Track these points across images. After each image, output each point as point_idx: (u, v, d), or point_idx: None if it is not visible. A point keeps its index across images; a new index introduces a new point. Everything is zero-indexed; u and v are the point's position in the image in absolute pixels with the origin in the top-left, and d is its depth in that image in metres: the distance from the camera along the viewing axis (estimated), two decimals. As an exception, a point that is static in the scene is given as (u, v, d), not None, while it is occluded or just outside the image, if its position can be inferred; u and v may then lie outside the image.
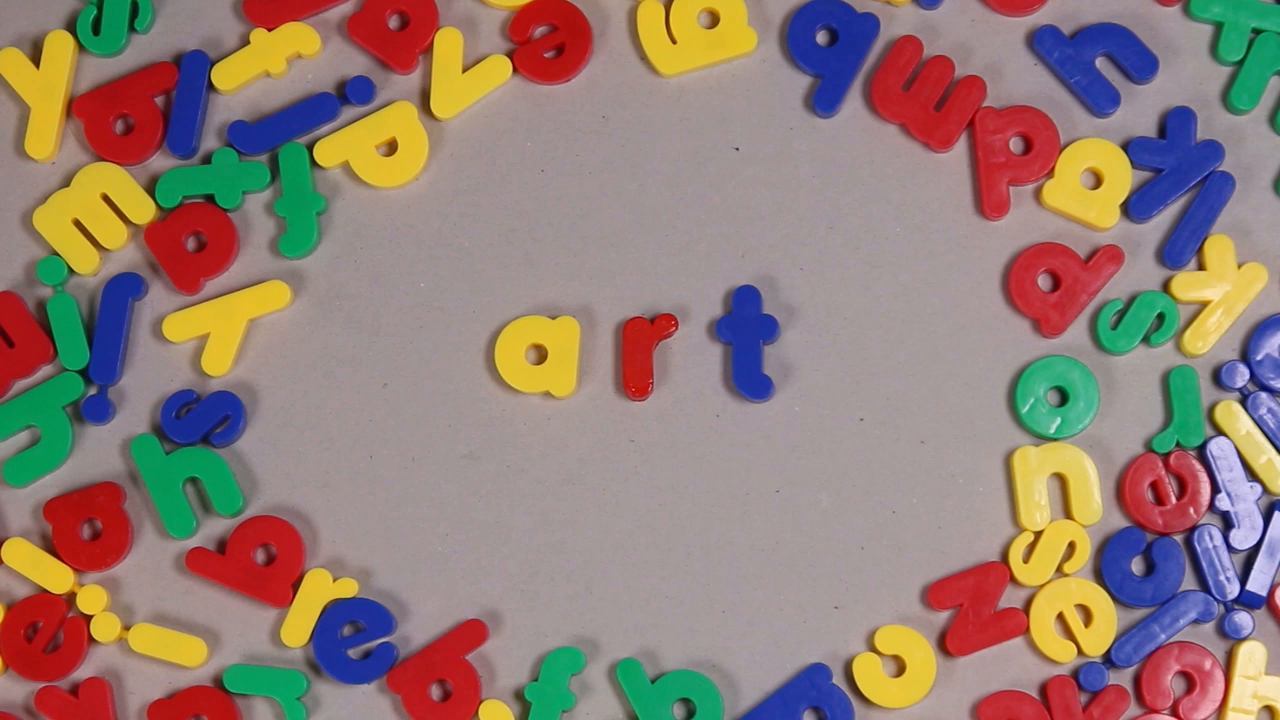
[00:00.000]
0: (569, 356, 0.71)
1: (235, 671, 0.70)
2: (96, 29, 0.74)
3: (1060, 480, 0.70)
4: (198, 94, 0.73)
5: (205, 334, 0.72)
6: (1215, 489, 0.69)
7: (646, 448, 0.71)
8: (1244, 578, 0.68)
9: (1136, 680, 0.68)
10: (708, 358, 0.71)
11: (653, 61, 0.73)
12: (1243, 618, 0.68)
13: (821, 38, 0.73)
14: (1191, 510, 0.69)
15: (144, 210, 0.73)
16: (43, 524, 0.71)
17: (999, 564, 0.69)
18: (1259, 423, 0.69)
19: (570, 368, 0.70)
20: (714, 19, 0.73)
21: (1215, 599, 0.68)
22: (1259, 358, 0.70)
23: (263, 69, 0.73)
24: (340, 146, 0.72)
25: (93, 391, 0.72)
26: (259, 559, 0.70)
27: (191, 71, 0.73)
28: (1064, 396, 0.70)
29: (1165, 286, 0.70)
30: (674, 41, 0.73)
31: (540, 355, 0.71)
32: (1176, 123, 0.71)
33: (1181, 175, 0.70)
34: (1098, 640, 0.68)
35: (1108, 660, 0.68)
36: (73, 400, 0.71)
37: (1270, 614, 0.69)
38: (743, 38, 0.73)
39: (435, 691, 0.69)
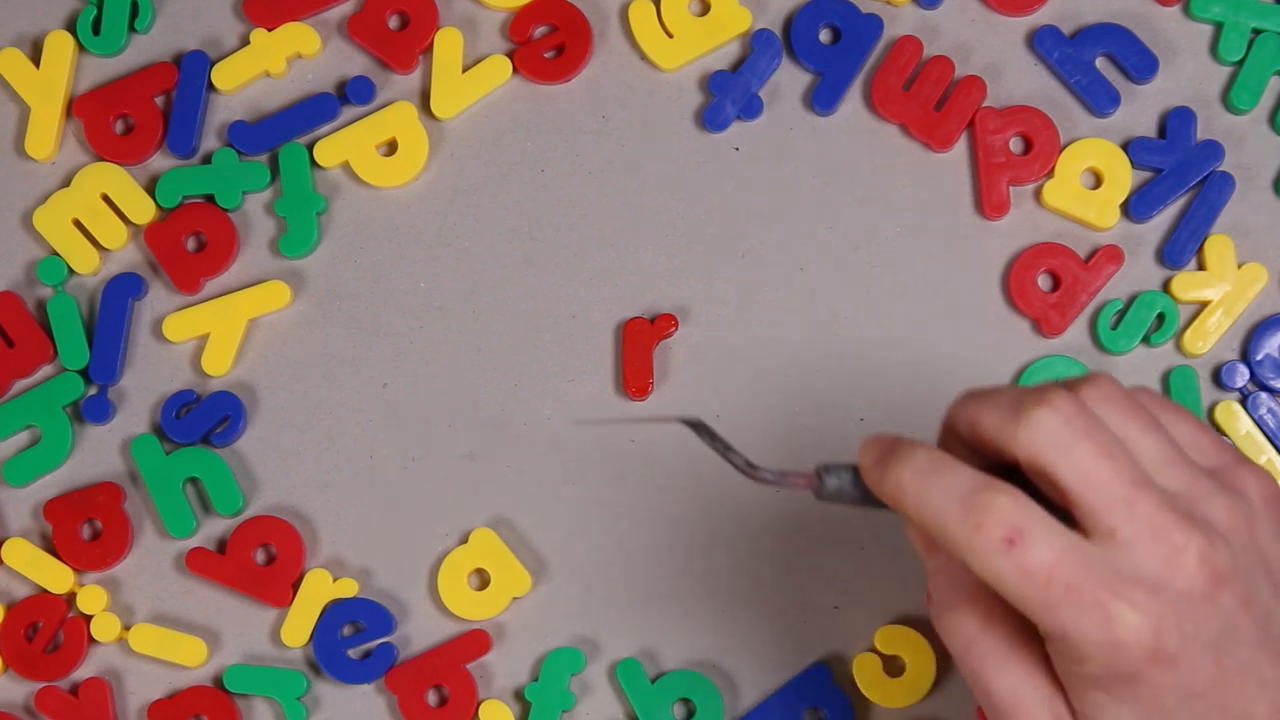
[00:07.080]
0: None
1: (235, 671, 0.70)
2: (96, 29, 0.74)
3: (1060, 480, 0.70)
4: (198, 94, 0.73)
5: (205, 334, 0.72)
6: (1215, 489, 0.69)
7: (646, 448, 0.71)
8: (1244, 578, 0.68)
9: (1136, 680, 0.68)
10: (708, 358, 0.71)
11: (652, 58, 0.73)
12: (1243, 618, 0.68)
13: (824, 36, 0.73)
14: (1191, 510, 0.69)
15: (144, 210, 0.73)
16: (43, 524, 0.71)
17: (999, 564, 0.69)
18: (1259, 423, 0.69)
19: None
20: (705, 6, 0.73)
21: (1215, 599, 0.68)
22: (1259, 358, 0.69)
23: (263, 69, 0.73)
24: (340, 146, 0.72)
25: (93, 391, 0.72)
26: (259, 559, 0.70)
27: (191, 71, 0.73)
28: (1064, 396, 0.70)
29: (1165, 286, 0.70)
30: (670, 35, 0.73)
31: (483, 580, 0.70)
32: (1176, 123, 0.71)
33: (1181, 175, 0.70)
34: (1097, 640, 0.68)
35: (1107, 660, 0.68)
36: (73, 400, 0.71)
37: (1270, 614, 0.69)
38: (736, 18, 0.73)
39: (432, 697, 0.69)
